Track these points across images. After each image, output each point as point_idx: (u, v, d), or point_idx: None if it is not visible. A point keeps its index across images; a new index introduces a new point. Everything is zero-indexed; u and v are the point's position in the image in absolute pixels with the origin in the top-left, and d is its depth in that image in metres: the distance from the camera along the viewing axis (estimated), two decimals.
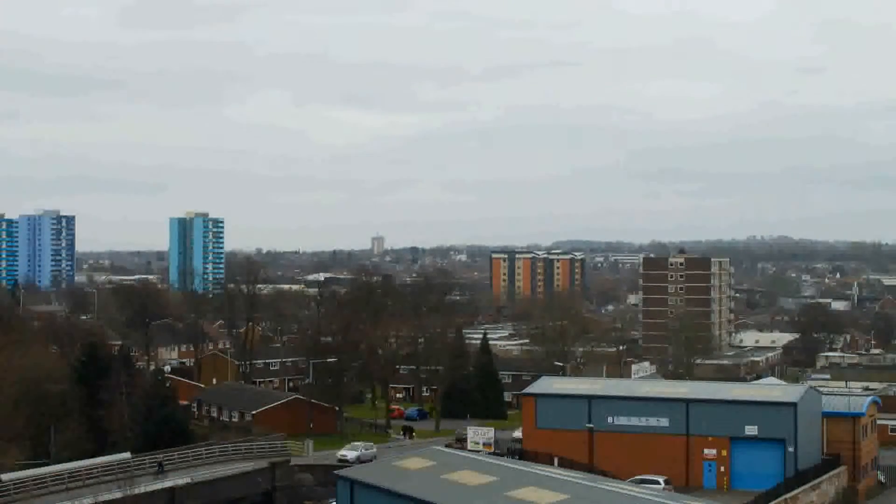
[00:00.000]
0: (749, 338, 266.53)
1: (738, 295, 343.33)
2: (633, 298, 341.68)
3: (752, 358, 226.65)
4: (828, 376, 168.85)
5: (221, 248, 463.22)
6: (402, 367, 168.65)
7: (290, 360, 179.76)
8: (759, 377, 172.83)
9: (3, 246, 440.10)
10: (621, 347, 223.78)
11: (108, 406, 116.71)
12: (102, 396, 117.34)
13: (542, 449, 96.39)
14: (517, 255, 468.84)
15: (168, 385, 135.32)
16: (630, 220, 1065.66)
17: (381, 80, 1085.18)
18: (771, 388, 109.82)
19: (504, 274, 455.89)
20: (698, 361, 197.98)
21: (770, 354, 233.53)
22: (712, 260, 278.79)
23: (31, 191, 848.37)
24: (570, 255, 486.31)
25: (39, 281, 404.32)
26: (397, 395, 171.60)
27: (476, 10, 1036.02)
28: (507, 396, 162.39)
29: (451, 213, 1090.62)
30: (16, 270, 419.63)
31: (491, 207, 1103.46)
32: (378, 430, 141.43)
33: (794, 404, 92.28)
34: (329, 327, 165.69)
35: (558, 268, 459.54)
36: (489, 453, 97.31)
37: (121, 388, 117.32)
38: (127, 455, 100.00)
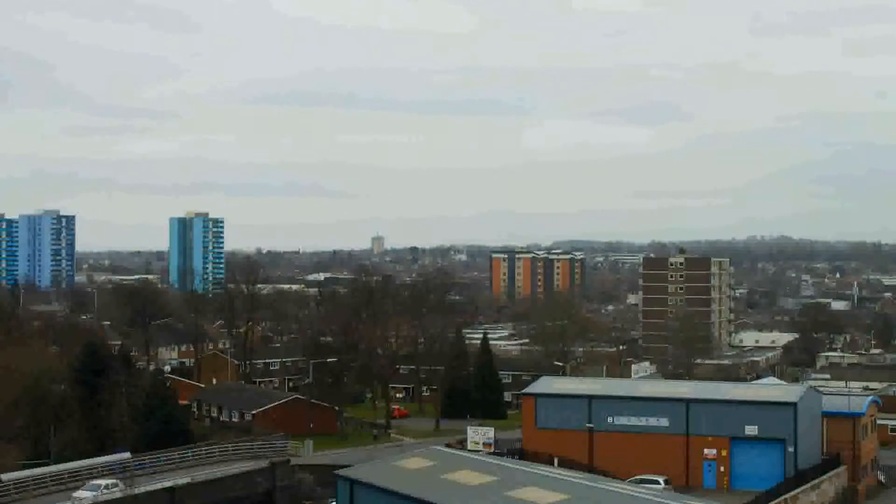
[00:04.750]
0: (749, 338, 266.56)
1: (738, 295, 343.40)
2: (633, 298, 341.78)
3: (752, 358, 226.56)
4: (828, 376, 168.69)
5: (221, 248, 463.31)
6: (402, 367, 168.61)
7: (290, 360, 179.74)
8: (759, 377, 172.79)
9: (3, 246, 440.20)
10: (621, 347, 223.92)
11: (108, 406, 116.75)
12: (102, 396, 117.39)
13: (542, 449, 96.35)
14: (517, 255, 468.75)
15: (168, 385, 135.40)
16: (630, 221, 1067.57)
17: None
18: (771, 388, 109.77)
19: (504, 274, 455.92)
20: (698, 361, 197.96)
21: (770, 354, 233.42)
22: (712, 260, 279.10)
23: (31, 191, 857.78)
24: (570, 255, 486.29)
25: (39, 281, 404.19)
26: (397, 395, 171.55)
27: None
28: (507, 396, 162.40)
29: (451, 213, 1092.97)
30: (16, 270, 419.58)
31: (491, 206, 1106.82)
32: (378, 429, 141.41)
33: (794, 404, 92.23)
34: (329, 327, 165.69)
35: (558, 268, 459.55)
36: (489, 453, 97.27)
37: (121, 388, 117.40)
38: (127, 455, 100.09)
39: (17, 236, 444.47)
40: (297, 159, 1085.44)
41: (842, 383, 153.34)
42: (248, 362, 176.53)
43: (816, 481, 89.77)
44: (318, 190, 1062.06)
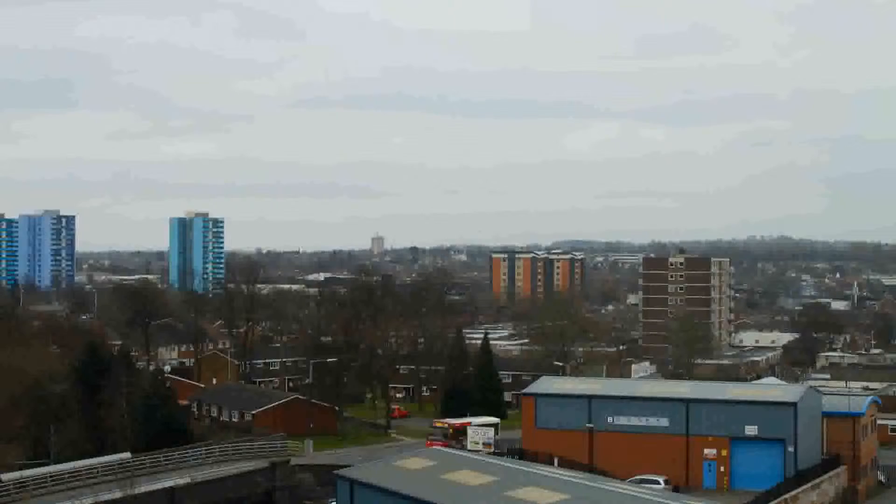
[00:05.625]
0: (749, 338, 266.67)
1: (738, 295, 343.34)
2: (633, 298, 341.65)
3: (752, 358, 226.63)
4: (828, 376, 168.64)
5: (221, 248, 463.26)
6: (402, 367, 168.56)
7: (290, 360, 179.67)
8: (759, 377, 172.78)
9: (3, 246, 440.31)
10: (621, 347, 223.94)
11: (108, 406, 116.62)
12: (102, 396, 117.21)
13: (542, 449, 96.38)
14: (517, 255, 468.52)
15: (168, 385, 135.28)
16: (630, 220, 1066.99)
17: None
18: (771, 388, 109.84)
19: (504, 274, 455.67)
20: (698, 361, 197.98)
21: (770, 354, 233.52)
22: (712, 260, 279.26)
23: (31, 191, 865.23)
24: (570, 255, 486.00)
25: (39, 281, 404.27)
26: (397, 395, 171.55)
27: None
28: (507, 396, 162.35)
29: (451, 213, 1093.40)
30: (16, 270, 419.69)
31: (492, 205, 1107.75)
32: (378, 430, 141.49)
33: (794, 404, 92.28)
34: (329, 327, 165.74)
35: (558, 268, 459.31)
36: (489, 453, 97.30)
37: (121, 388, 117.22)
38: (127, 455, 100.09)
39: (17, 236, 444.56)
40: (321, 161, 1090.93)
41: (842, 383, 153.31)
42: (248, 362, 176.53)
43: (816, 481, 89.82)
44: (332, 190, 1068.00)
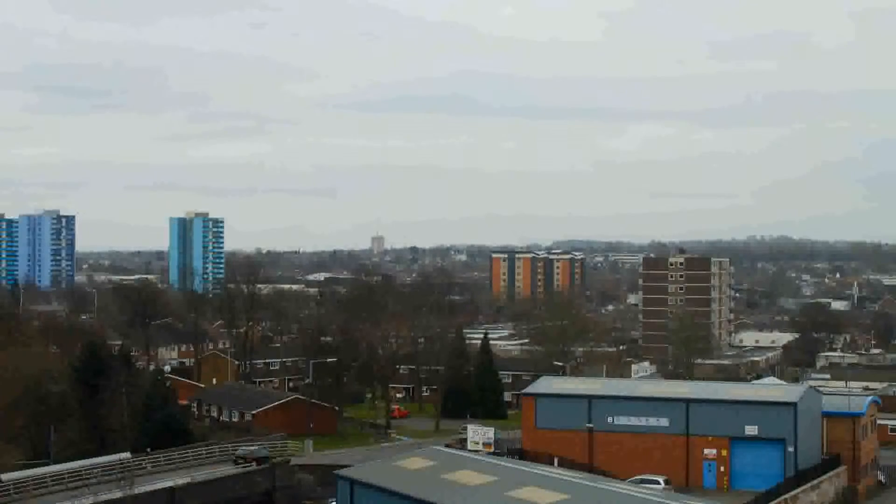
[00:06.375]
0: (749, 338, 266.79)
1: (738, 295, 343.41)
2: (633, 298, 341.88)
3: (752, 358, 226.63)
4: (828, 376, 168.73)
5: (221, 248, 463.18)
6: (402, 367, 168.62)
7: (290, 360, 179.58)
8: (759, 377, 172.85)
9: (3, 246, 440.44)
10: (621, 347, 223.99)
11: (108, 406, 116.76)
12: (102, 396, 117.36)
13: (542, 449, 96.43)
14: (517, 255, 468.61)
15: (168, 385, 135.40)
16: (630, 221, 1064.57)
17: None
18: (771, 388, 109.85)
19: (504, 274, 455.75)
20: (698, 361, 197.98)
21: (770, 354, 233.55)
22: (712, 260, 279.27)
23: (31, 191, 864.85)
24: (570, 255, 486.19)
25: (39, 281, 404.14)
26: (397, 395, 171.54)
27: None
28: (507, 396, 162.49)
29: (451, 213, 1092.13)
30: (16, 270, 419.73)
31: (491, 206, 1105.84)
32: (378, 430, 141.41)
33: (794, 404, 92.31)
34: (329, 327, 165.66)
35: (558, 268, 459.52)
36: (489, 453, 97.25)
37: (121, 388, 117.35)
38: (127, 455, 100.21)
39: (17, 236, 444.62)
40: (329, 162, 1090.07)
41: (842, 383, 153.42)
42: (248, 362, 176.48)
43: (816, 481, 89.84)
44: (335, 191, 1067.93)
